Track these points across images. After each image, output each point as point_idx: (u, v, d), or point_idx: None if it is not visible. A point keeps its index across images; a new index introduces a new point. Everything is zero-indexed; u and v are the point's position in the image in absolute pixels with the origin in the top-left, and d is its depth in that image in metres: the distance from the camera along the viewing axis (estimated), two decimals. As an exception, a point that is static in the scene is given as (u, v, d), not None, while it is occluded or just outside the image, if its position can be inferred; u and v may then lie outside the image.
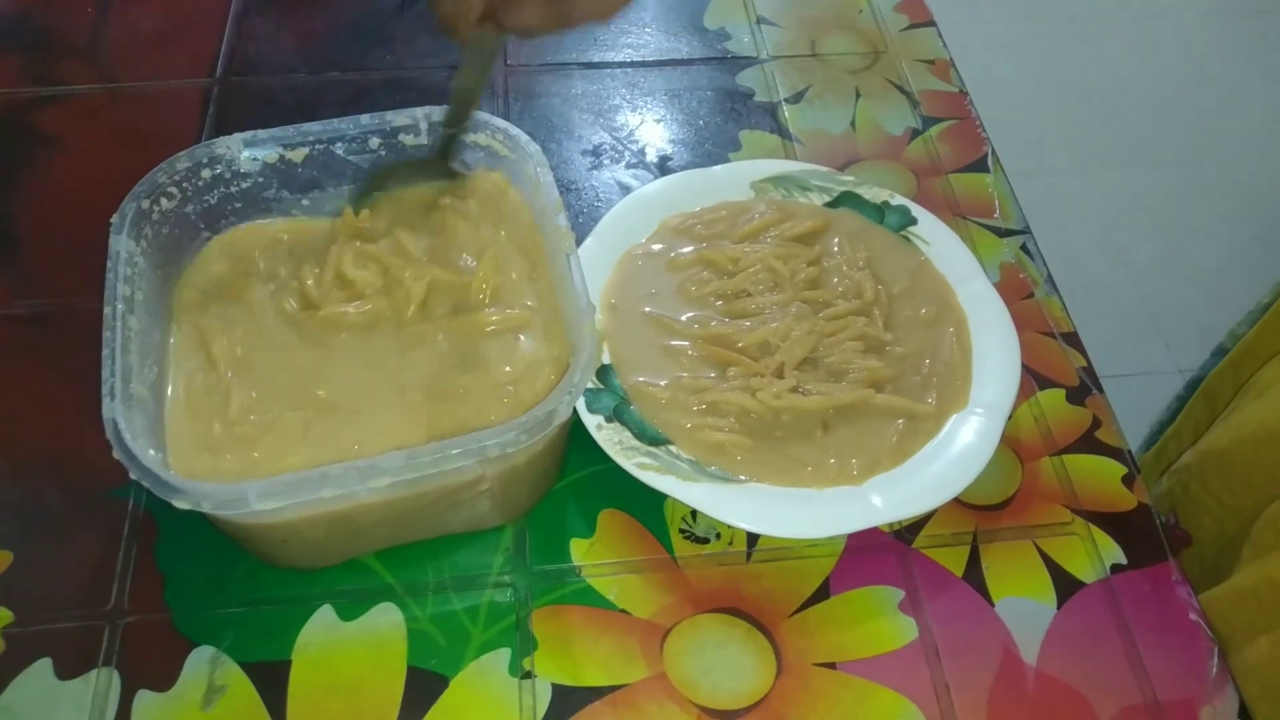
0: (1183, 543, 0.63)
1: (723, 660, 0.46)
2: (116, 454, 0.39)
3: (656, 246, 0.58)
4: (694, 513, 0.50)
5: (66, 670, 0.45)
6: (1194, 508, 0.63)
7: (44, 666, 0.45)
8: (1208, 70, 1.91)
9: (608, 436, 0.49)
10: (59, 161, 0.64)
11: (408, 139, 0.52)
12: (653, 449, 0.50)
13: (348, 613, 0.47)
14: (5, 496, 0.50)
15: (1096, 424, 0.55)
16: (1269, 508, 0.56)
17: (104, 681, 0.44)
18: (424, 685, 0.45)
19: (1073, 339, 0.58)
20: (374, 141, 0.52)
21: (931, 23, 0.76)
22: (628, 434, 0.50)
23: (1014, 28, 1.97)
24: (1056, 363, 0.57)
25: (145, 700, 0.44)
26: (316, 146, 0.51)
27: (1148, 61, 1.92)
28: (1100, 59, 1.92)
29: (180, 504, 0.39)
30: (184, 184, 0.49)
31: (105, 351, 0.42)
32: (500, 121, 0.52)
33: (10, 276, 0.58)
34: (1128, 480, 0.53)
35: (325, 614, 0.47)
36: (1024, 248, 0.62)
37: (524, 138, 0.51)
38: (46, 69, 0.69)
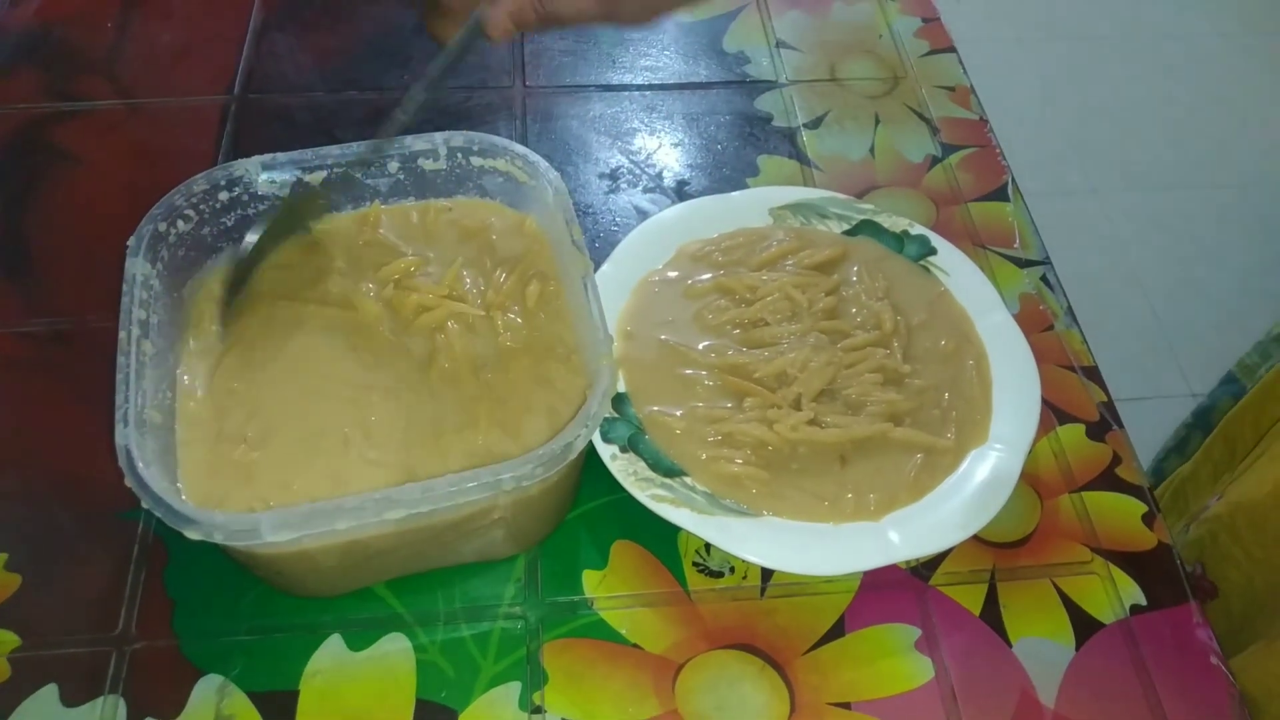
0: (1208, 594, 0.62)
1: (736, 698, 0.45)
2: (129, 482, 0.39)
3: (673, 273, 0.57)
4: (708, 546, 0.50)
5: (72, 697, 0.44)
6: (1222, 560, 0.62)
7: (50, 693, 0.44)
8: (1225, 93, 1.90)
9: (622, 467, 0.49)
10: (76, 177, 0.64)
11: (426, 163, 0.52)
12: (668, 480, 0.49)
13: (357, 642, 0.46)
14: (15, 518, 0.50)
15: (1117, 460, 0.54)
16: None
17: (110, 709, 0.44)
18: (432, 718, 0.44)
19: (1093, 373, 0.57)
20: (393, 165, 0.52)
21: (952, 49, 0.75)
22: (643, 464, 0.49)
23: (1032, 51, 1.96)
24: (1076, 397, 0.56)
25: (152, 729, 0.44)
26: (335, 170, 0.51)
27: (1164, 83, 1.91)
28: (1118, 81, 1.91)
29: (192, 534, 0.38)
30: (201, 206, 0.49)
31: (119, 376, 0.42)
32: (520, 148, 0.51)
33: (26, 293, 0.58)
34: (1148, 519, 0.52)
35: (334, 643, 0.46)
36: (1044, 279, 0.61)
37: (543, 164, 0.51)
38: (66, 85, 0.69)
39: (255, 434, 0.46)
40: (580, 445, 0.42)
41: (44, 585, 0.48)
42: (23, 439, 0.53)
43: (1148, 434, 0.81)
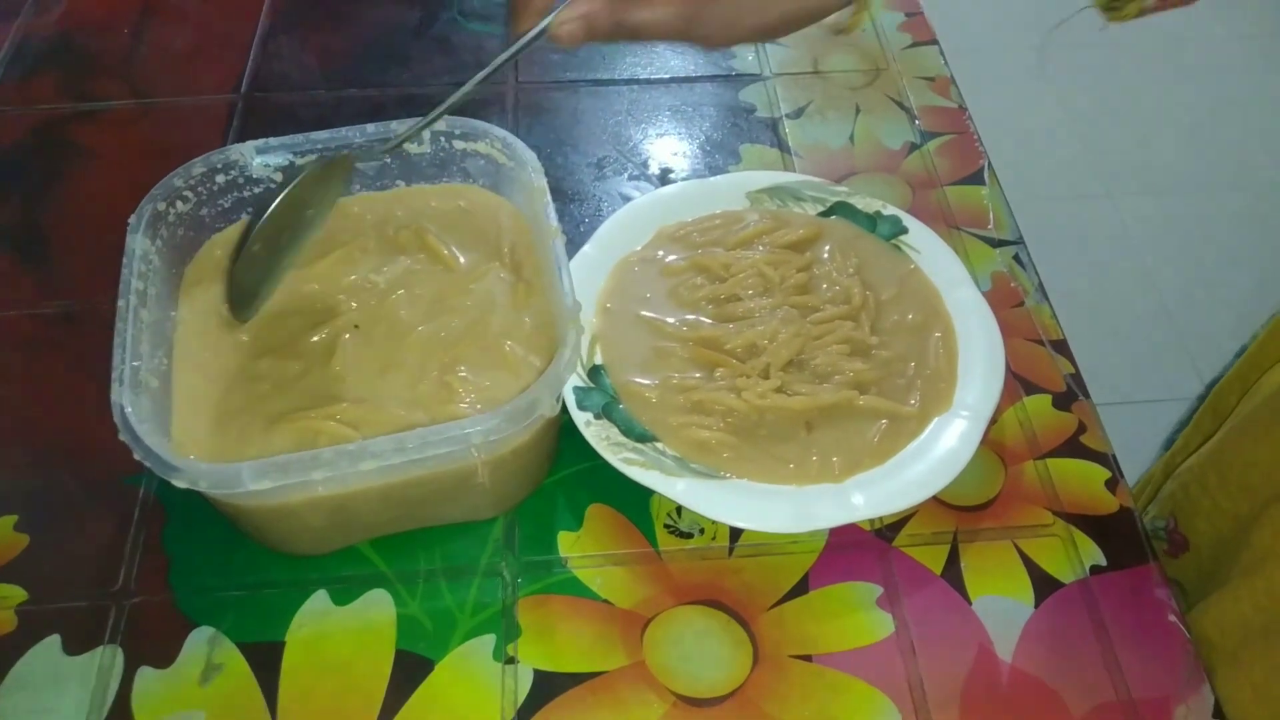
0: (1180, 548, 0.63)
1: (701, 650, 0.47)
2: (122, 435, 0.42)
3: (652, 253, 0.60)
4: (679, 509, 0.52)
5: (74, 646, 0.47)
6: (1193, 512, 0.63)
7: (53, 642, 0.47)
8: (1241, 95, 1.90)
9: (595, 433, 0.51)
10: (90, 172, 0.68)
11: (411, 147, 0.55)
12: (639, 445, 0.51)
13: (341, 598, 0.49)
14: (24, 483, 0.53)
15: (1082, 429, 0.55)
16: (1270, 508, 0.55)
17: (108, 658, 0.47)
18: (411, 668, 0.47)
19: (1061, 346, 0.59)
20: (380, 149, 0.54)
21: (934, 41, 0.77)
22: (615, 430, 0.51)
23: (1050, 56, 1.97)
24: (1044, 369, 0.58)
25: (146, 676, 0.46)
26: (325, 154, 0.54)
27: (1180, 87, 1.91)
28: (1134, 85, 1.92)
29: (178, 482, 0.41)
30: (199, 188, 0.52)
31: (116, 341, 0.45)
32: (499, 130, 0.54)
33: (41, 277, 0.62)
34: (1110, 484, 0.53)
35: (320, 598, 0.49)
36: (1016, 258, 0.63)
37: (520, 145, 0.53)
38: (83, 86, 0.73)
39: (245, 404, 0.49)
40: (546, 402, 0.44)
41: (50, 545, 0.51)
42: (34, 411, 0.56)
43: (1161, 436, 0.82)
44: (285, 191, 0.48)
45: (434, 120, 0.49)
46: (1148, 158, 1.80)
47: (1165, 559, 0.66)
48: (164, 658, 0.47)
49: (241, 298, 0.50)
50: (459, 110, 0.54)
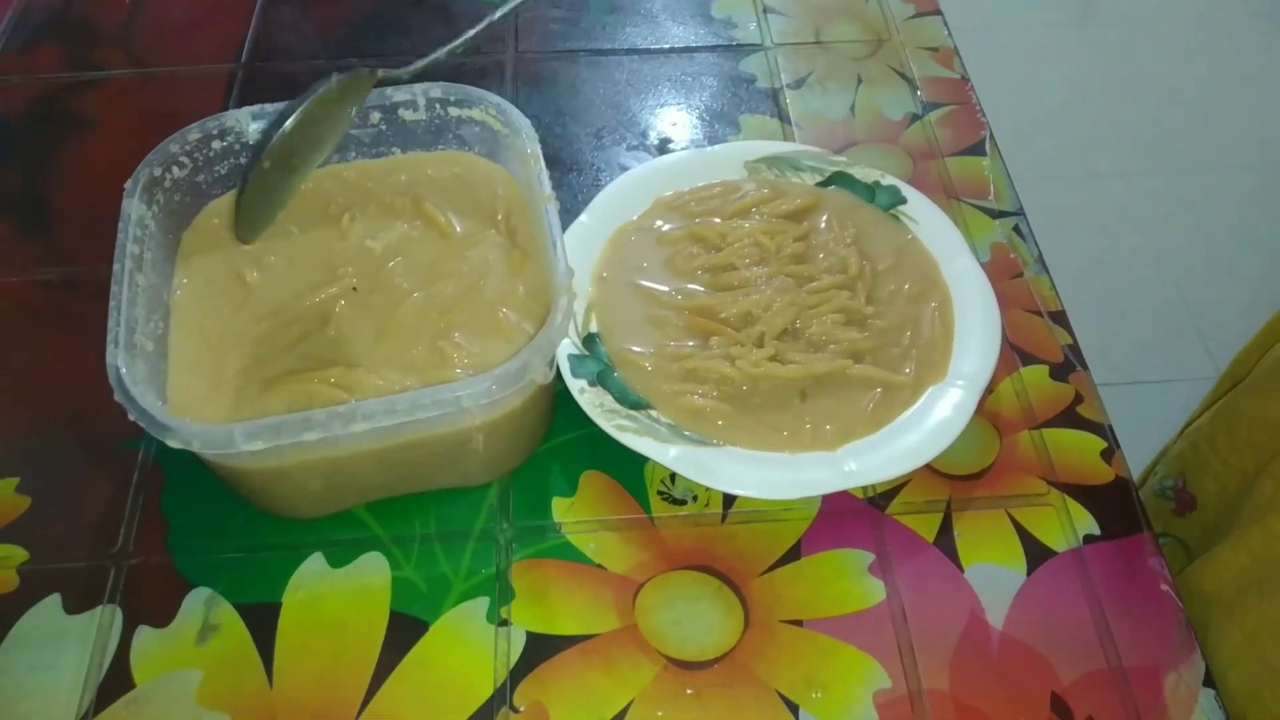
0: (1188, 506, 0.64)
1: (692, 614, 0.48)
2: (117, 396, 0.42)
3: (649, 223, 0.60)
4: (673, 476, 0.52)
5: (74, 606, 0.48)
6: (1201, 470, 0.63)
7: (54, 602, 0.48)
8: (1259, 74, 1.88)
9: (590, 400, 0.51)
10: (91, 141, 0.68)
11: (406, 114, 0.55)
12: (633, 413, 0.51)
13: (337, 560, 0.49)
14: (27, 447, 0.54)
15: (1079, 400, 0.55)
16: (1272, 464, 0.55)
17: (108, 617, 0.47)
18: (405, 629, 0.47)
19: (1059, 317, 0.58)
20: (375, 116, 0.55)
21: (938, 11, 0.77)
22: (609, 398, 0.52)
23: (1064, 34, 1.96)
24: (1042, 340, 0.57)
25: (144, 635, 0.47)
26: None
27: (1196, 65, 1.89)
28: (1149, 63, 1.90)
29: (172, 442, 0.41)
30: (195, 154, 0.52)
31: (112, 304, 0.45)
32: (494, 97, 0.54)
33: (42, 245, 0.62)
34: (1106, 454, 0.53)
35: (316, 561, 0.49)
36: (1016, 229, 0.63)
37: (515, 111, 0.53)
38: (84, 55, 0.73)
39: (243, 368, 0.49)
40: (536, 366, 0.44)
41: (51, 506, 0.51)
42: (36, 376, 0.56)
43: (1173, 415, 0.81)
44: (301, 108, 0.47)
45: (463, 44, 0.49)
46: (1158, 135, 1.78)
47: (1172, 518, 0.67)
48: (162, 617, 0.47)
49: (249, 217, 0.49)
50: (455, 76, 0.54)
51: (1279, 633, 0.47)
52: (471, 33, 0.48)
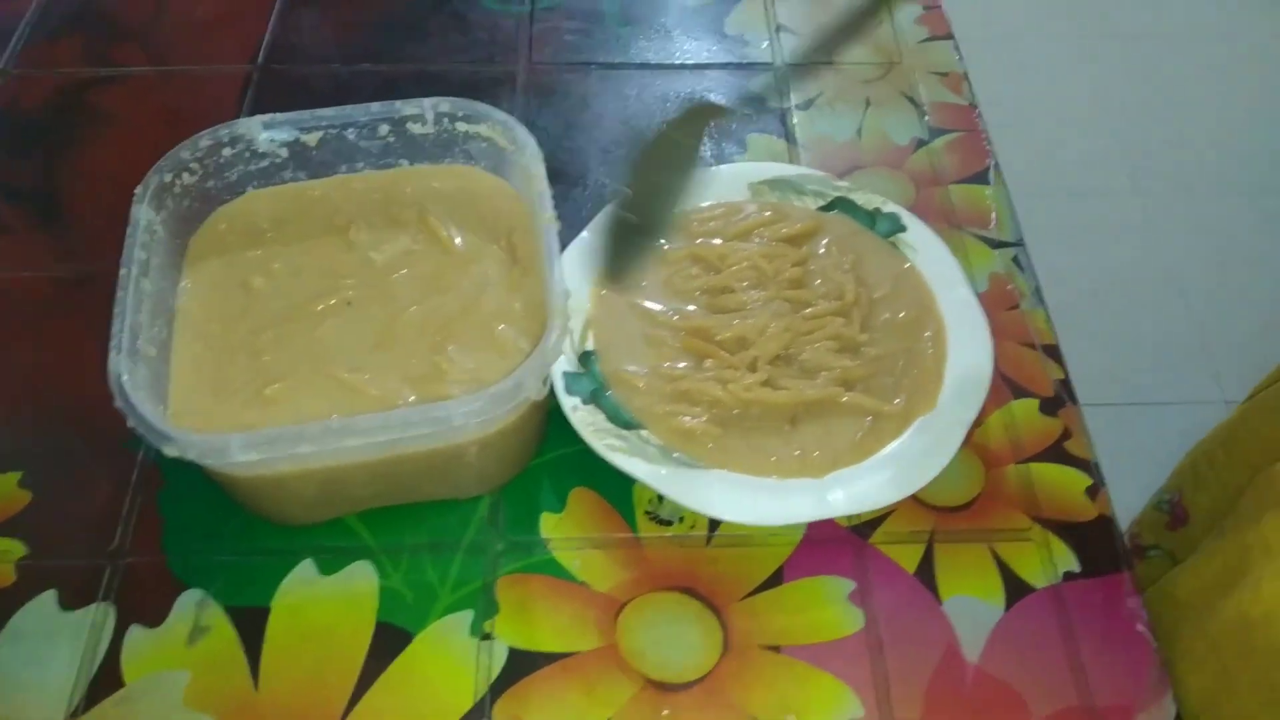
0: (1180, 521, 0.65)
1: (672, 635, 0.48)
2: (117, 403, 0.43)
3: (650, 241, 0.60)
4: (661, 497, 0.53)
5: (69, 602, 0.49)
6: (1197, 487, 0.64)
7: (49, 597, 0.49)
8: (1254, 92, 1.87)
9: (582, 418, 0.52)
10: (107, 137, 0.69)
11: (414, 127, 0.55)
12: (624, 432, 0.52)
13: (327, 567, 0.50)
14: (31, 441, 0.55)
15: (1067, 435, 0.56)
16: (1257, 477, 0.56)
17: (101, 615, 0.48)
18: (390, 639, 0.48)
19: (1053, 351, 0.59)
20: (384, 129, 0.55)
21: (949, 36, 0.77)
22: (601, 417, 0.52)
23: (1084, 50, 1.95)
24: (1034, 373, 0.58)
25: (135, 634, 0.48)
26: (330, 131, 0.55)
27: (1217, 85, 1.88)
28: (1169, 82, 1.89)
29: (169, 451, 0.42)
30: (205, 161, 0.53)
31: (116, 309, 0.46)
32: (500, 114, 0.55)
33: (56, 241, 0.63)
34: (1091, 491, 0.53)
35: (306, 567, 0.50)
36: (1015, 260, 0.63)
37: (521, 129, 0.54)
38: (105, 51, 0.74)
39: (245, 377, 0.50)
40: (530, 385, 0.45)
41: (51, 502, 0.52)
42: (43, 372, 0.57)
43: (1176, 440, 0.81)
44: (645, 152, 0.48)
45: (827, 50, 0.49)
46: (1178, 157, 1.77)
47: (1165, 532, 0.68)
48: (154, 617, 0.48)
49: (619, 266, 0.50)
50: (457, 92, 0.55)
51: (1240, 639, 0.48)
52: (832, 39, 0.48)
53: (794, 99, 0.72)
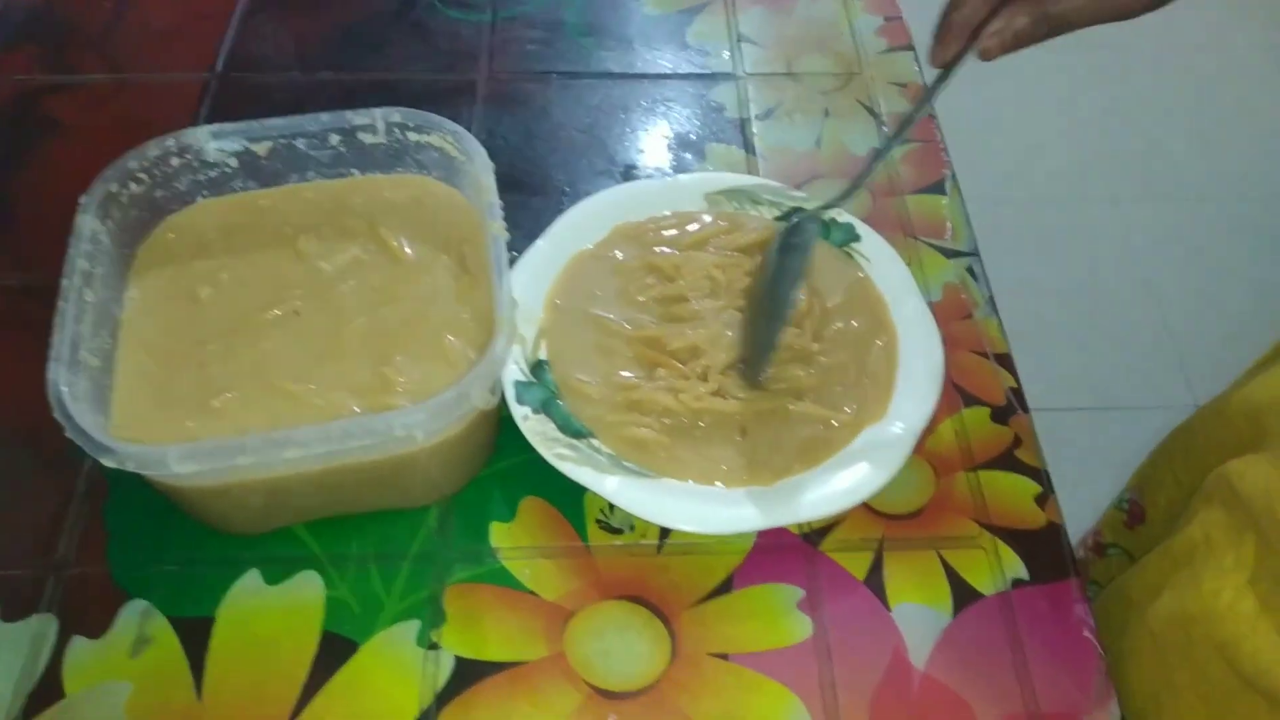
0: (1137, 519, 0.65)
1: (621, 645, 0.48)
2: (56, 414, 0.43)
3: (606, 250, 0.60)
4: (612, 505, 0.52)
5: (10, 613, 0.48)
6: (1155, 486, 0.64)
7: (-10, 609, 0.49)
8: (1259, 104, 1.89)
9: (532, 427, 0.52)
10: (61, 146, 0.68)
11: (366, 137, 0.55)
12: (574, 441, 0.52)
13: (273, 577, 0.50)
14: (-24, 452, 0.54)
15: (1018, 443, 0.56)
16: (1208, 476, 0.56)
17: (43, 626, 0.48)
18: (335, 648, 0.48)
19: (1005, 360, 0.59)
20: (334, 138, 0.55)
21: (910, 47, 0.77)
22: (552, 426, 0.52)
23: (1059, 57, 1.96)
24: (985, 382, 0.58)
25: (78, 645, 0.47)
26: (280, 141, 0.55)
27: (1194, 94, 1.90)
28: (1144, 91, 1.91)
29: (108, 462, 0.42)
30: (154, 170, 0.53)
31: (57, 320, 0.46)
32: (451, 124, 0.54)
33: (5, 250, 0.63)
34: (1040, 499, 0.54)
35: (252, 577, 0.50)
36: (970, 269, 0.63)
37: (471, 139, 0.54)
38: (61, 58, 0.74)
39: (188, 388, 0.50)
40: (473, 397, 0.45)
41: (-4, 513, 0.52)
42: (-10, 382, 0.57)
43: (1149, 443, 0.81)
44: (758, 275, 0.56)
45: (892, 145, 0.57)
46: (1152, 165, 1.79)
47: (1123, 530, 0.68)
48: (97, 628, 0.48)
49: (756, 364, 0.54)
50: (416, 101, 0.55)
51: (1180, 634, 0.48)
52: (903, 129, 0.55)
53: (754, 108, 0.72)
